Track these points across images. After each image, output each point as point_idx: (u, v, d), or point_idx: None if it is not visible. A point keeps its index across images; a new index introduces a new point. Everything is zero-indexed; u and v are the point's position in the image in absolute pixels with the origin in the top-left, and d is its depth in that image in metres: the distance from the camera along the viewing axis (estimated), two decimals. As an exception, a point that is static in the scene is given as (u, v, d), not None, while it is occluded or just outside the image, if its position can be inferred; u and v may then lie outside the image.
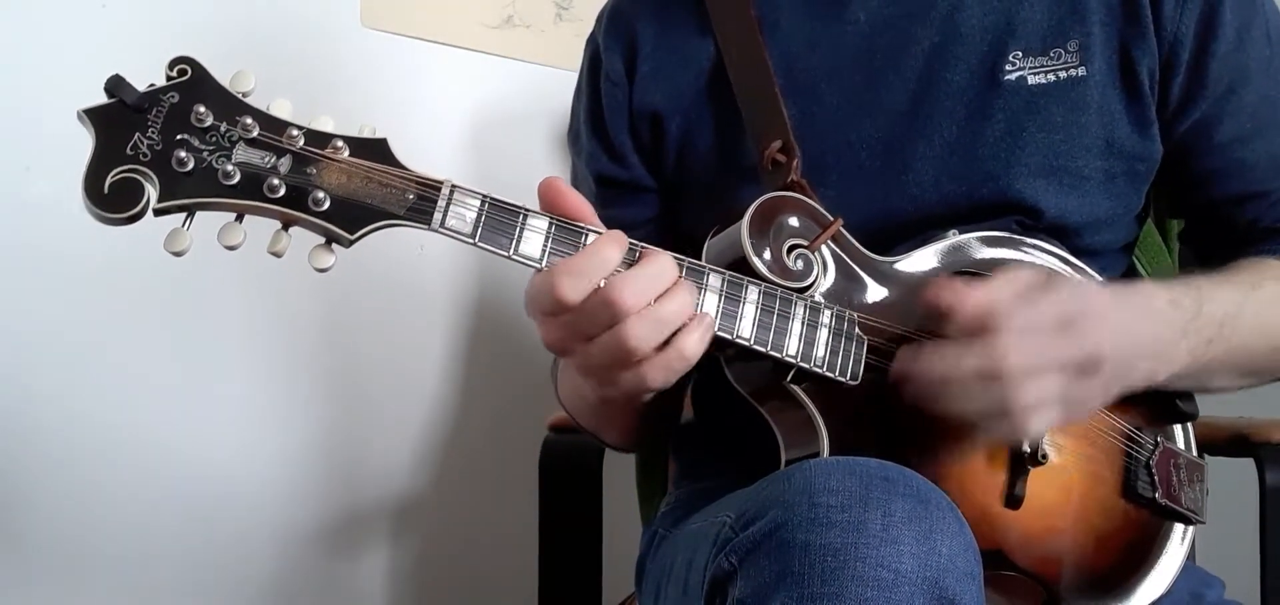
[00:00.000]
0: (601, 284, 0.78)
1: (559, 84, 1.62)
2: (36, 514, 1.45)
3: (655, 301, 0.78)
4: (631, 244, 0.81)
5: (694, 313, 0.81)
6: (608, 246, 0.79)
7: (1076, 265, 0.98)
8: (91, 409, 1.47)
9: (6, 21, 1.41)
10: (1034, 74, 1.00)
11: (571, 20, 1.78)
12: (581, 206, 0.81)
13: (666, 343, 0.79)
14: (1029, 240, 0.97)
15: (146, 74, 0.77)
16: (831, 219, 0.91)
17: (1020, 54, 1.00)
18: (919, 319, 0.90)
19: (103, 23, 1.47)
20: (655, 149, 1.11)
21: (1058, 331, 0.80)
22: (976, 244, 0.96)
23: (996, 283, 0.82)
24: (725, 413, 1.06)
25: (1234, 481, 1.13)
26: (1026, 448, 0.89)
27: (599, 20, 1.17)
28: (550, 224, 0.80)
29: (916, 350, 0.84)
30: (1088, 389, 0.82)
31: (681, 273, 0.82)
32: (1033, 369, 0.79)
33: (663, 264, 0.80)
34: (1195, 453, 1.00)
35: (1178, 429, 1.00)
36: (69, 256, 1.43)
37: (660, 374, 0.80)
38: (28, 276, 1.43)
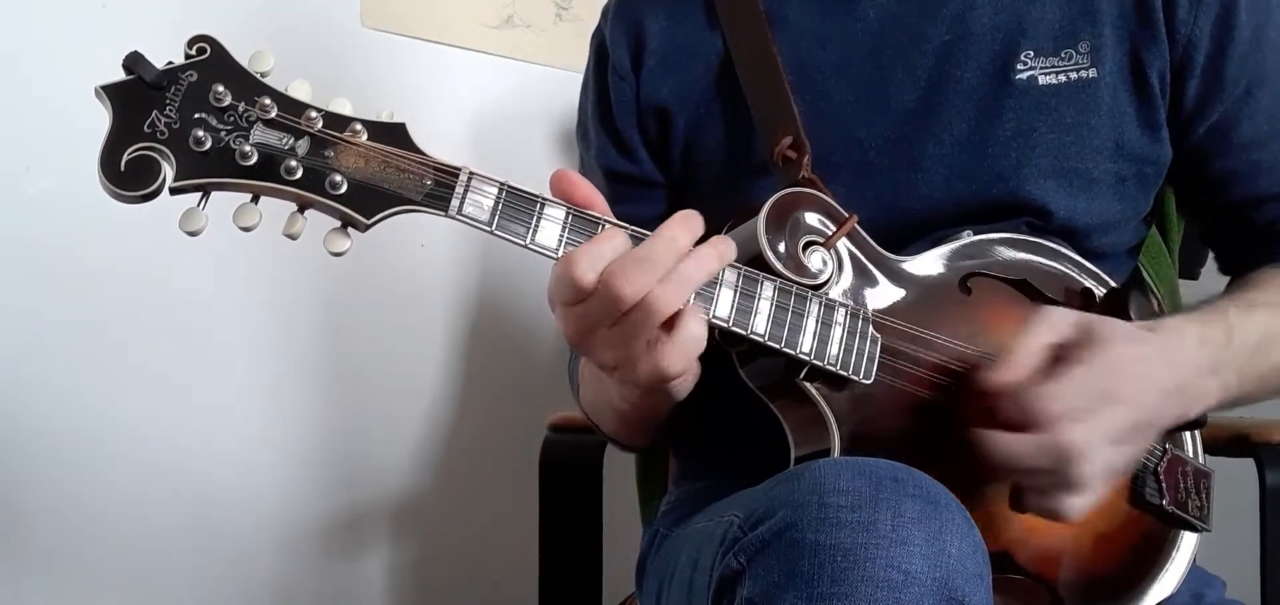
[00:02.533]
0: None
1: (559, 84, 1.62)
2: (35, 511, 1.44)
3: (679, 264, 0.77)
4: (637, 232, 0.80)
5: (717, 270, 0.80)
6: (618, 234, 0.78)
7: (1088, 268, 0.98)
8: (91, 407, 1.47)
9: (6, 21, 1.41)
10: (1045, 74, 1.00)
11: (571, 20, 1.78)
12: (594, 196, 0.81)
13: (676, 322, 0.79)
14: (1042, 243, 0.97)
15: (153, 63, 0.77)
16: (847, 215, 0.91)
17: (1031, 54, 1.00)
18: (935, 324, 0.90)
19: (102, 22, 1.46)
20: (663, 144, 1.11)
21: (1102, 406, 0.80)
22: (990, 246, 0.96)
23: (1026, 356, 0.82)
24: (727, 412, 1.06)
25: (1234, 481, 1.14)
26: None
27: (604, 14, 1.16)
28: (567, 214, 0.80)
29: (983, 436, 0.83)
30: (1130, 454, 0.84)
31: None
32: (1090, 450, 0.79)
33: (661, 246, 0.78)
34: (1202, 460, 1.00)
35: (1186, 435, 1.00)
36: (69, 254, 1.42)
37: (678, 358, 0.79)
38: (28, 274, 1.42)
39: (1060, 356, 0.82)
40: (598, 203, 0.81)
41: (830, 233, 0.90)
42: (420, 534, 1.73)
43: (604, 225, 0.80)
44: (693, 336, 0.79)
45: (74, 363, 1.45)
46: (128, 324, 1.48)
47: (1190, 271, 1.26)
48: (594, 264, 0.76)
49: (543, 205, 0.79)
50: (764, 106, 1.02)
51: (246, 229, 0.74)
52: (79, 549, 1.47)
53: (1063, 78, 0.99)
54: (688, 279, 0.78)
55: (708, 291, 0.82)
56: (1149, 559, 0.97)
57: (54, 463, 1.45)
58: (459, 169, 0.78)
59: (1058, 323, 0.84)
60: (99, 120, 0.74)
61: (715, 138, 1.07)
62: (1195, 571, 1.04)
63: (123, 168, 0.72)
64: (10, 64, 1.41)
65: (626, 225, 0.81)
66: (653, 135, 1.11)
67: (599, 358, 0.82)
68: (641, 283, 0.76)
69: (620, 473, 1.41)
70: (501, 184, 0.79)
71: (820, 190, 0.94)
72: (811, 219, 0.90)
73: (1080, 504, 0.81)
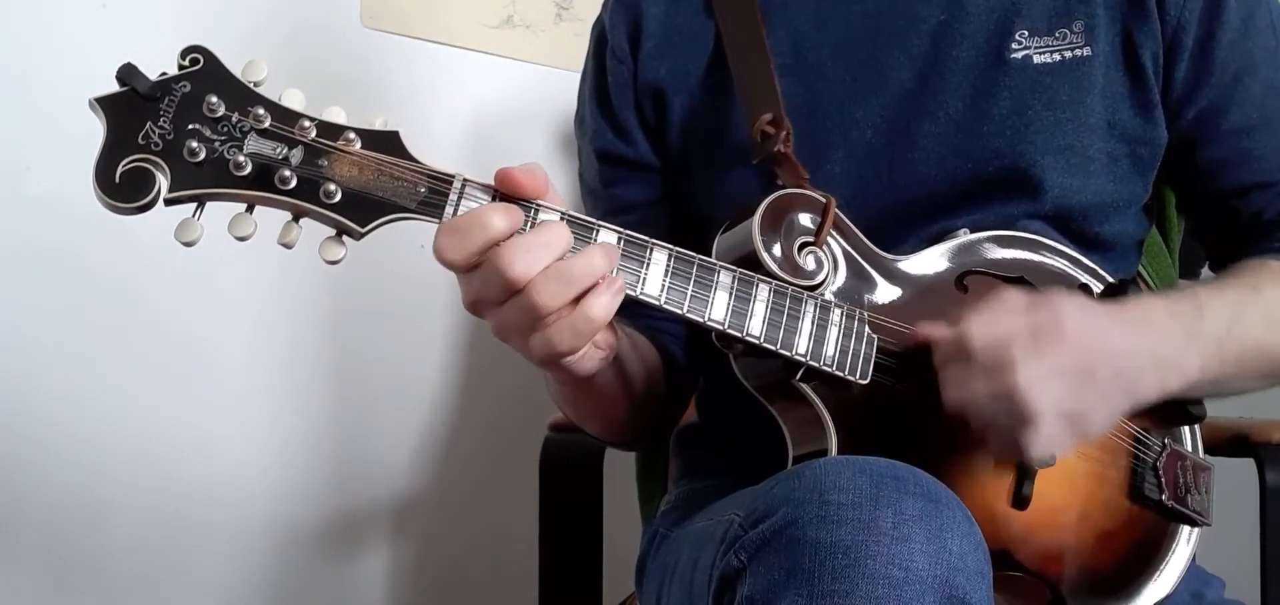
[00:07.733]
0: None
1: (559, 84, 1.62)
2: (35, 513, 1.45)
3: (563, 259, 0.77)
4: (526, 206, 0.79)
5: (605, 273, 0.78)
6: (492, 211, 0.77)
7: (1085, 264, 0.98)
8: (91, 408, 1.47)
9: (7, 21, 1.41)
10: (1040, 53, 1.00)
11: (571, 20, 1.78)
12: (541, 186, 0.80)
13: (575, 304, 0.78)
14: (1039, 239, 0.97)
15: (147, 74, 0.76)
16: (825, 198, 0.91)
17: (1026, 33, 1.01)
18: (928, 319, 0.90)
19: (103, 22, 1.46)
20: (659, 126, 1.11)
21: (1044, 344, 0.80)
22: (986, 244, 0.96)
23: (976, 309, 0.83)
24: (729, 414, 1.06)
25: (1234, 481, 1.14)
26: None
27: (605, 4, 1.17)
28: (561, 217, 0.80)
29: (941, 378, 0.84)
30: (1088, 398, 0.82)
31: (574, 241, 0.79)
32: (1038, 378, 0.79)
33: (556, 231, 0.78)
34: (1201, 454, 1.00)
35: (1185, 431, 1.00)
36: (69, 255, 1.42)
37: (567, 337, 0.78)
38: (28, 275, 1.42)
39: None
40: (546, 193, 0.80)
41: (818, 227, 0.90)
42: (420, 534, 1.74)
43: (598, 231, 0.81)
44: (587, 318, 0.78)
45: (74, 363, 1.45)
46: (128, 324, 1.48)
47: (1190, 271, 1.26)
48: (452, 237, 0.76)
49: (537, 210, 0.80)
50: (747, 86, 1.03)
51: (242, 239, 0.74)
52: (80, 549, 1.48)
53: (1057, 56, 1.00)
54: (573, 277, 0.77)
55: (632, 269, 0.82)
56: (1149, 555, 0.97)
57: (53, 463, 1.45)
58: (453, 176, 0.78)
59: (1007, 292, 0.85)
60: (98, 122, 0.74)
61: (708, 121, 1.08)
62: (1195, 570, 1.04)
63: (117, 180, 0.72)
64: (10, 64, 1.41)
65: (615, 226, 0.81)
66: (649, 116, 1.11)
67: (496, 330, 0.81)
68: (533, 254, 0.76)
69: (620, 473, 1.41)
70: (495, 190, 0.79)
71: (794, 168, 0.94)
72: (807, 220, 0.90)
73: (1041, 441, 0.81)
